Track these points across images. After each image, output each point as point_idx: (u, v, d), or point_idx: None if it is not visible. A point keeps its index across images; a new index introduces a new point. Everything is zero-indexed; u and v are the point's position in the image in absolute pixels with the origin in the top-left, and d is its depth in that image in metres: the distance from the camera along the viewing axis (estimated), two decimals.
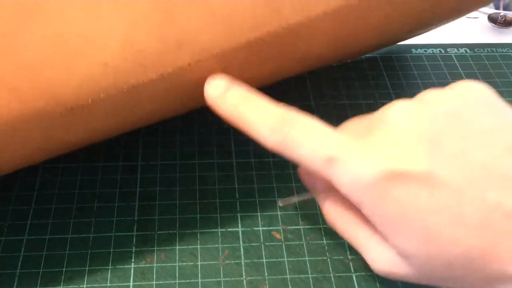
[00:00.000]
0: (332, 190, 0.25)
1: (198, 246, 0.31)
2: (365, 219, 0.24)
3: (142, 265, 0.30)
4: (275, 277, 0.30)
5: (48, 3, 0.23)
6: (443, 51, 0.45)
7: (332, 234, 0.32)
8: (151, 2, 0.24)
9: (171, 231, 0.32)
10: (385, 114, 0.23)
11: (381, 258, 0.23)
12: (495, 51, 0.46)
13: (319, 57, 0.31)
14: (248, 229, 0.32)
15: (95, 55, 0.24)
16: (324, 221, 0.33)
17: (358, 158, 0.22)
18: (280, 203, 0.33)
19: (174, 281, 0.29)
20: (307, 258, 0.31)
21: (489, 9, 0.50)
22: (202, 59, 0.26)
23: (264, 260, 0.31)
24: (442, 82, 0.42)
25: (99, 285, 0.29)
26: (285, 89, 0.40)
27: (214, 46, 0.26)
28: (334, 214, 0.25)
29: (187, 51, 0.25)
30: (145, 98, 0.26)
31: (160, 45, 0.25)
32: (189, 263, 0.30)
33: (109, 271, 0.30)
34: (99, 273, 0.30)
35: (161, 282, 0.29)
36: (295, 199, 0.32)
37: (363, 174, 0.21)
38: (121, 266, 0.30)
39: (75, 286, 0.29)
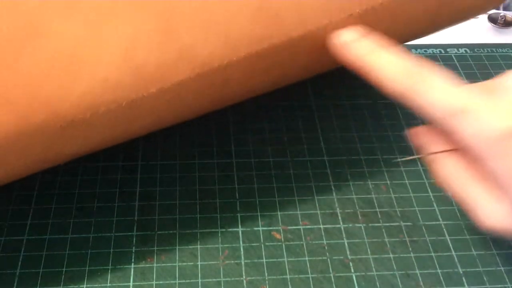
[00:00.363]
0: (446, 148, 0.26)
1: (198, 246, 0.31)
2: (481, 177, 0.24)
3: (142, 265, 0.30)
4: (275, 277, 0.30)
5: (49, 20, 0.23)
6: (443, 51, 0.45)
7: (332, 234, 0.32)
8: (151, 17, 0.24)
9: (171, 231, 0.32)
10: (505, 80, 0.25)
11: (496, 214, 0.24)
12: (495, 51, 0.46)
13: (322, 64, 0.32)
14: (248, 229, 0.32)
15: (95, 71, 0.24)
16: (324, 221, 0.33)
17: (488, 112, 0.23)
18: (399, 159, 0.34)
19: (174, 281, 0.29)
20: (307, 258, 0.31)
21: None
22: (202, 72, 0.26)
23: (264, 260, 0.31)
24: None
25: (99, 285, 0.29)
26: (285, 89, 0.40)
27: (215, 59, 0.26)
28: (447, 172, 0.26)
29: (187, 64, 0.25)
30: (145, 110, 0.26)
31: (160, 60, 0.25)
32: (189, 263, 0.30)
33: (109, 271, 0.30)
34: (99, 273, 0.30)
35: (161, 282, 0.29)
36: (411, 157, 0.33)
37: (493, 127, 0.22)
38: (121, 266, 0.30)
39: (75, 286, 0.29)
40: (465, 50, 0.45)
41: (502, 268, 0.31)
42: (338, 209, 0.33)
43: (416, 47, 0.45)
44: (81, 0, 0.23)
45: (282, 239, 0.32)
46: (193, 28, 0.25)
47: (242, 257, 0.31)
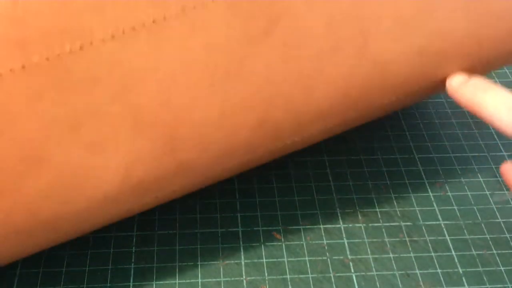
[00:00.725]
0: None
1: (198, 246, 0.31)
2: None
3: (142, 265, 0.30)
4: (275, 277, 0.30)
5: (51, 147, 0.23)
6: None
7: (332, 234, 0.32)
8: (152, 136, 0.24)
9: (171, 231, 0.32)
10: None
11: None
12: None
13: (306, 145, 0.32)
14: (248, 229, 0.32)
15: (95, 190, 0.24)
16: (324, 221, 0.33)
17: None
18: (494, 198, 0.34)
19: (174, 281, 0.30)
20: (307, 258, 0.31)
21: None
22: (197, 181, 0.27)
23: (264, 260, 0.31)
24: None
25: (99, 285, 0.29)
26: None
27: (209, 170, 0.27)
28: None
29: (183, 177, 0.26)
30: (138, 210, 0.28)
31: (158, 175, 0.25)
32: (189, 263, 0.30)
33: (110, 271, 0.30)
34: (99, 273, 0.30)
35: (161, 282, 0.29)
36: (507, 196, 0.33)
37: None
38: (121, 266, 0.30)
39: (75, 286, 0.29)
40: None
41: (502, 268, 0.31)
42: (338, 209, 0.33)
43: None
44: (82, 124, 0.23)
45: (282, 239, 0.32)
46: (192, 145, 0.25)
47: (242, 257, 0.31)
